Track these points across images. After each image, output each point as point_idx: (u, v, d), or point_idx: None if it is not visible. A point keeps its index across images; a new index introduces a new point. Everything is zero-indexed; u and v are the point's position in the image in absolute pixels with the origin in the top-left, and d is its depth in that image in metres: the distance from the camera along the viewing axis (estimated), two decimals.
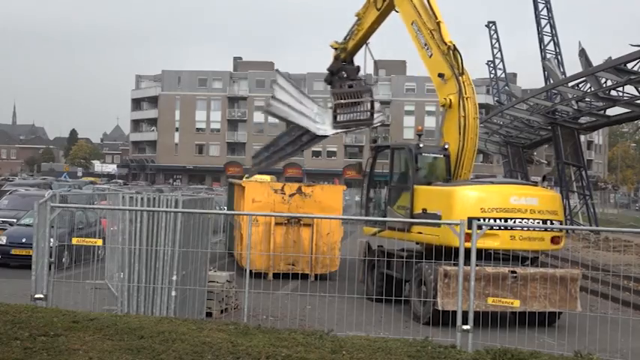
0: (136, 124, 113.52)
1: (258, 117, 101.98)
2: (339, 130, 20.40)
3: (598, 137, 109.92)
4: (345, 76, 19.50)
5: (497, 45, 60.69)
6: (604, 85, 26.72)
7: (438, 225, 13.16)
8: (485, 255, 12.89)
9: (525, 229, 13.32)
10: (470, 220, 12.19)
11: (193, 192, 41.10)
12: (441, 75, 15.64)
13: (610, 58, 27.41)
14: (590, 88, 28.16)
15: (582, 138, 41.83)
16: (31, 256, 9.84)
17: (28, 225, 17.39)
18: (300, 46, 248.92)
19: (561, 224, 13.97)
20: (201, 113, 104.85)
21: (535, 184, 17.91)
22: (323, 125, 19.92)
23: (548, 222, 13.53)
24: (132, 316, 9.22)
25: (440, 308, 12.46)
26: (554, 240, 13.79)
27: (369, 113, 19.05)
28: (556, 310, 13.12)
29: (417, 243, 14.85)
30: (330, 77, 19.84)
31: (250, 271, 10.23)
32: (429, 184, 14.86)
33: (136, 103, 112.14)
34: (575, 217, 37.80)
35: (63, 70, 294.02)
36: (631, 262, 21.75)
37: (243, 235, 18.10)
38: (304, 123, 20.18)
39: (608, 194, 77.37)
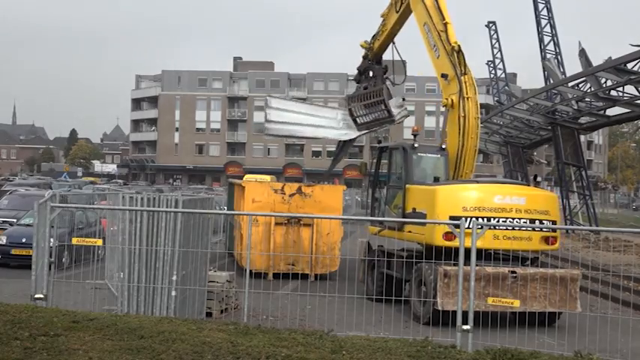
0: (136, 124, 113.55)
1: (258, 117, 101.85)
2: (363, 132, 20.79)
3: (598, 137, 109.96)
4: (372, 75, 19.68)
5: (497, 45, 60.70)
6: (604, 85, 26.70)
7: (424, 224, 13.23)
8: (485, 255, 12.90)
9: (510, 228, 13.11)
10: (452, 219, 12.32)
11: (193, 192, 41.10)
12: (444, 75, 15.77)
13: (610, 58, 27.41)
14: (590, 88, 28.14)
15: (582, 138, 41.80)
16: (31, 256, 9.83)
17: (28, 225, 17.39)
18: (300, 46, 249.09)
19: (554, 224, 13.77)
20: (201, 113, 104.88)
21: (527, 184, 17.87)
22: (347, 129, 20.22)
23: (537, 222, 13.38)
24: (132, 316, 9.22)
25: (440, 308, 12.46)
26: (549, 240, 13.69)
27: (386, 112, 19.15)
28: (556, 311, 13.11)
29: (419, 243, 14.88)
30: (359, 76, 20.28)
31: (250, 271, 10.23)
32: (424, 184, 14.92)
33: (136, 103, 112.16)
34: (575, 217, 37.79)
35: (63, 70, 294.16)
36: (631, 262, 21.75)
37: (243, 235, 18.10)
38: (317, 134, 20.69)
39: (608, 194, 77.37)
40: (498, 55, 61.21)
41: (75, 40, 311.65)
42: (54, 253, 10.11)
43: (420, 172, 15.41)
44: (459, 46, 15.62)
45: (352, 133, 20.55)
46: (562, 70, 42.65)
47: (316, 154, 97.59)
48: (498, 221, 13.05)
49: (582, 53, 30.32)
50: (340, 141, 21.30)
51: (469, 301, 9.22)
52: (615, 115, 31.64)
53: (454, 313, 9.56)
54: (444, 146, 15.64)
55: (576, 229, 30.17)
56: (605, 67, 25.39)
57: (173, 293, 10.12)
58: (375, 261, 15.29)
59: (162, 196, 10.70)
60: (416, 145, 15.32)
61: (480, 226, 9.83)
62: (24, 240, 17.68)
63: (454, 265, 11.17)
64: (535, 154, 64.92)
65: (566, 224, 33.03)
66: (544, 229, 13.51)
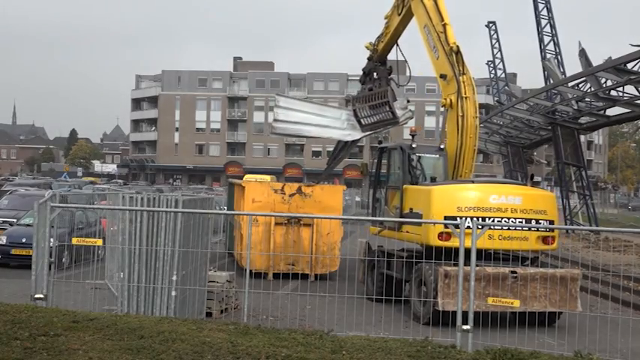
0: (136, 124, 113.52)
1: (258, 117, 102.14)
2: (367, 133, 20.78)
3: (598, 137, 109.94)
4: (377, 76, 19.69)
5: (497, 45, 60.71)
6: (604, 85, 26.70)
7: (420, 224, 13.21)
8: (485, 255, 12.89)
9: (506, 228, 13.04)
10: (447, 219, 12.32)
11: (193, 192, 41.08)
12: (443, 76, 15.81)
13: (610, 58, 27.41)
14: (590, 88, 28.14)
15: (582, 138, 41.79)
16: (31, 256, 9.83)
17: (28, 225, 17.38)
18: (300, 46, 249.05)
19: (552, 223, 13.73)
20: (201, 113, 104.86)
21: (524, 183, 17.85)
22: (352, 130, 20.24)
23: (534, 221, 13.33)
24: (132, 316, 9.21)
25: (440, 309, 12.44)
26: (546, 240, 13.67)
27: (390, 113, 19.16)
28: (556, 310, 13.10)
29: (420, 244, 14.88)
30: (364, 77, 20.28)
31: (250, 271, 10.24)
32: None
33: (136, 103, 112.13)
34: (575, 217, 37.79)
35: (63, 70, 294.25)
36: (631, 262, 21.76)
37: (243, 235, 18.10)
38: (323, 134, 20.68)
39: (608, 194, 77.29)
40: (498, 55, 61.24)
41: (75, 40, 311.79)
42: (54, 253, 10.10)
43: (418, 173, 15.42)
44: (457, 46, 15.68)
45: (356, 134, 20.54)
46: (562, 70, 42.65)
47: (316, 154, 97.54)
48: (494, 221, 13.01)
49: (582, 53, 30.30)
50: (341, 141, 21.30)
51: (469, 301, 9.22)
52: (615, 115, 31.64)
53: (454, 313, 9.56)
54: (442, 146, 15.66)
55: (575, 229, 30.18)
56: (605, 67, 25.38)
57: (173, 293, 10.12)
58: (375, 261, 15.29)
59: (162, 196, 10.70)
60: (414, 146, 15.34)
61: (480, 226, 9.82)
62: (24, 240, 17.67)
63: (454, 265, 11.17)
64: (535, 154, 64.95)
65: (566, 224, 33.03)
66: (540, 229, 13.48)
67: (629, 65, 23.80)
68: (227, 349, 7.44)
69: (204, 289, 11.64)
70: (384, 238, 15.65)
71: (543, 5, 45.39)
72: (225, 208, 27.27)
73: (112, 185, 55.82)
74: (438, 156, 15.68)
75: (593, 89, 27.70)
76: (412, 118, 20.50)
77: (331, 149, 24.44)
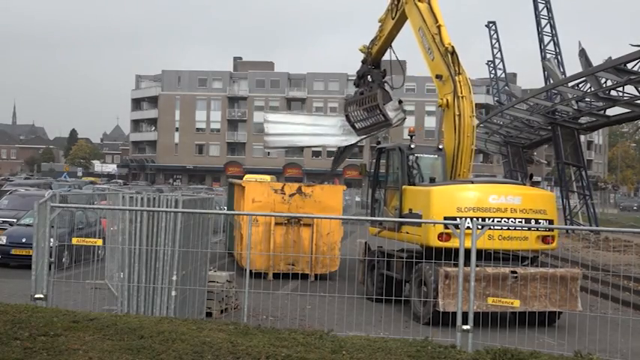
0: (136, 124, 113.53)
1: (258, 117, 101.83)
2: (362, 137, 20.97)
3: (598, 137, 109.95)
4: (371, 79, 19.70)
5: (497, 45, 60.65)
6: (604, 85, 26.70)
7: (419, 225, 13.21)
8: (485, 255, 12.88)
9: (505, 228, 13.04)
10: (446, 219, 12.32)
11: (193, 192, 41.07)
12: (438, 76, 15.85)
13: (610, 58, 27.40)
14: (590, 88, 28.13)
15: (582, 138, 41.76)
16: (31, 256, 9.82)
17: (28, 225, 17.38)
18: (300, 46, 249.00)
19: (551, 223, 13.73)
20: (201, 113, 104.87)
21: (523, 183, 17.84)
22: (347, 135, 20.33)
23: (533, 221, 13.33)
24: (132, 316, 9.21)
25: (441, 309, 12.43)
26: (546, 239, 13.67)
27: (382, 116, 19.17)
28: (556, 310, 13.10)
29: (420, 245, 14.87)
30: (358, 80, 20.34)
31: (250, 271, 10.23)
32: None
33: (136, 103, 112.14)
34: (575, 217, 37.78)
35: (63, 70, 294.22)
36: (631, 262, 21.76)
37: (243, 235, 18.10)
38: (318, 142, 20.83)
39: (608, 194, 77.32)
40: (498, 55, 61.19)
41: (75, 40, 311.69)
42: (54, 253, 10.11)
43: (418, 173, 15.42)
44: (452, 47, 15.72)
45: (352, 139, 20.70)
46: (562, 70, 42.63)
47: (316, 154, 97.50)
48: (494, 221, 13.01)
49: (582, 53, 30.29)
50: (340, 146, 21.42)
51: (469, 301, 9.21)
52: (615, 115, 31.64)
53: (454, 313, 9.56)
54: (441, 147, 15.64)
55: (575, 228, 30.18)
56: (605, 67, 25.38)
57: (173, 293, 10.11)
58: (375, 262, 15.29)
59: (162, 196, 10.70)
60: (412, 146, 15.34)
61: (480, 227, 9.81)
62: (24, 240, 17.68)
63: (454, 265, 11.16)
64: (535, 154, 64.86)
65: (566, 224, 33.03)
66: (540, 229, 13.48)
67: (629, 65, 23.80)
68: (227, 349, 7.44)
69: (204, 289, 11.64)
70: (384, 238, 15.65)
71: (543, 5, 45.37)
72: (225, 208, 27.27)
73: (111, 185, 55.85)
74: (436, 156, 15.67)
75: (593, 89, 27.70)
76: (405, 118, 20.52)
77: (332, 149, 24.55)
